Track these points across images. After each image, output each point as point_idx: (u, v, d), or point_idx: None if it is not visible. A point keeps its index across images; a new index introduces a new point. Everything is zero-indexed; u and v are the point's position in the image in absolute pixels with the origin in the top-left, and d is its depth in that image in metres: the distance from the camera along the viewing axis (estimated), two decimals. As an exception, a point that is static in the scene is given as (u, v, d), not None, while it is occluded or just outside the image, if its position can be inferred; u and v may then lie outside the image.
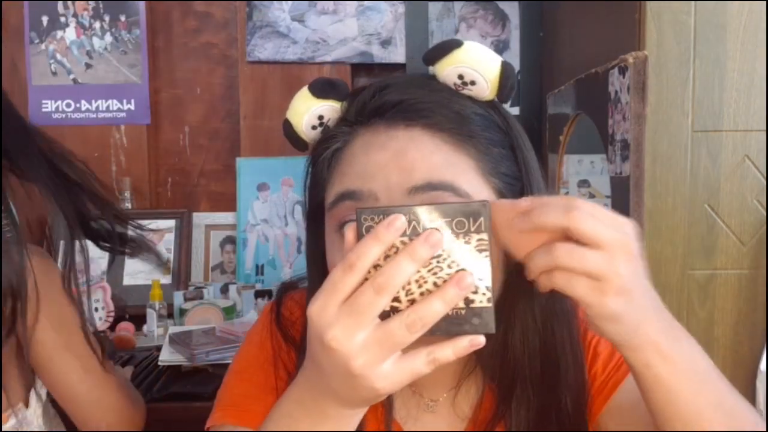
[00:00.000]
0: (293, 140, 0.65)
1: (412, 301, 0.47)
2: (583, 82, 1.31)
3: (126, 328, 1.58)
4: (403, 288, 0.47)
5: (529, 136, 0.68)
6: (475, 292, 0.47)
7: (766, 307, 1.10)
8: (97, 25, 1.83)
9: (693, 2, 1.07)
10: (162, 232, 1.82)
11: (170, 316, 1.63)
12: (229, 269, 1.84)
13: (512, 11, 1.85)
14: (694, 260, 1.10)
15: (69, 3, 1.83)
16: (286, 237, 1.82)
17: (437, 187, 0.58)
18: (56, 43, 1.83)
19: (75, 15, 1.83)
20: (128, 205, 1.82)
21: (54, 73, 1.84)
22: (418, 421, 0.70)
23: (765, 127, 1.08)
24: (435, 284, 0.47)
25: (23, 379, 0.96)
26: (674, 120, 1.08)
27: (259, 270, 1.81)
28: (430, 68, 0.64)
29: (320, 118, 0.64)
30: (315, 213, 0.66)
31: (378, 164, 0.59)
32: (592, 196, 1.73)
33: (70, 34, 1.83)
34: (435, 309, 0.46)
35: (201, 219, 1.86)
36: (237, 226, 1.83)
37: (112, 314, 1.62)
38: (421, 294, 0.47)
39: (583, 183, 1.73)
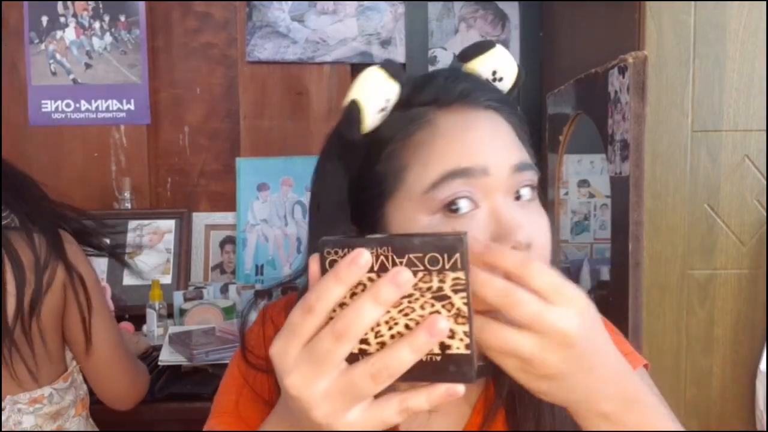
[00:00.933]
0: (355, 124, 0.60)
1: (382, 344, 0.42)
2: (583, 82, 1.31)
3: (126, 328, 1.58)
4: (372, 329, 0.42)
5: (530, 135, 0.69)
6: (452, 337, 0.42)
7: (766, 307, 1.10)
8: (96, 25, 1.83)
9: (693, 2, 1.07)
10: (162, 232, 1.82)
11: (170, 316, 1.63)
12: (228, 269, 1.84)
13: (512, 11, 1.85)
14: (694, 260, 1.10)
15: (69, 3, 1.83)
16: (285, 237, 1.82)
17: (530, 167, 0.60)
18: (56, 43, 1.83)
19: (75, 15, 1.83)
20: (128, 205, 1.82)
21: (54, 73, 1.84)
22: (416, 420, 0.70)
23: (765, 127, 1.08)
24: (407, 326, 0.42)
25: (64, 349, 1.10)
26: (674, 120, 1.08)
27: (258, 270, 1.81)
28: (464, 64, 0.67)
29: (387, 101, 0.61)
30: (364, 203, 0.63)
31: (482, 141, 0.60)
32: (592, 195, 1.73)
33: (69, 34, 1.83)
34: (403, 358, 0.42)
35: (201, 219, 1.86)
36: (237, 226, 1.83)
37: (113, 314, 1.62)
38: (392, 336, 0.42)
39: (583, 183, 1.73)
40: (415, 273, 0.41)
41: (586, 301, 0.46)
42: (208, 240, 1.85)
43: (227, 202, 1.87)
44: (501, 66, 0.67)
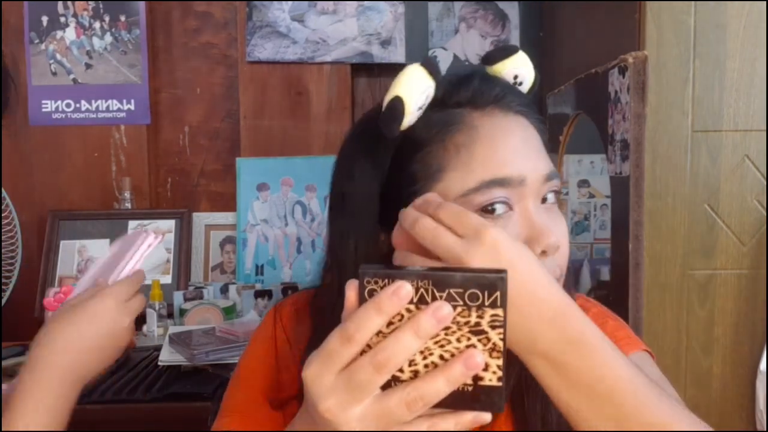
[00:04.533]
0: (398, 120, 0.60)
1: (416, 372, 0.44)
2: (583, 82, 1.31)
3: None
4: None
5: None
6: (485, 369, 0.43)
7: (766, 307, 1.10)
8: (97, 25, 1.83)
9: (693, 2, 1.07)
10: (162, 232, 1.82)
11: (170, 316, 1.63)
12: (229, 269, 1.84)
13: (512, 11, 1.85)
14: (694, 260, 1.10)
15: (69, 3, 1.83)
16: (285, 237, 1.82)
17: (557, 175, 0.63)
18: (56, 43, 1.83)
19: (75, 15, 1.83)
20: (128, 205, 1.82)
21: (54, 73, 1.84)
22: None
23: (765, 127, 1.08)
24: (441, 357, 0.43)
25: None
26: (674, 120, 1.08)
27: (258, 270, 1.81)
28: (489, 67, 0.67)
29: (426, 99, 0.62)
30: (393, 201, 0.62)
31: (517, 149, 0.61)
32: (592, 195, 1.73)
33: (70, 34, 1.83)
34: (438, 388, 0.43)
35: (201, 219, 1.86)
36: (237, 226, 1.83)
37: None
38: (425, 366, 0.43)
39: (583, 183, 1.73)
40: (454, 307, 0.43)
41: (493, 234, 0.49)
42: (208, 240, 1.85)
43: (227, 202, 1.87)
44: (522, 71, 0.67)
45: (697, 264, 1.10)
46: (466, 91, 0.63)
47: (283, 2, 1.82)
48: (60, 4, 1.83)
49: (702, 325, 1.10)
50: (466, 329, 0.43)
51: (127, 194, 1.82)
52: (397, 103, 0.60)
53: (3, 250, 1.65)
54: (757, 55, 1.08)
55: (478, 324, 0.43)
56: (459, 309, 0.43)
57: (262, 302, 1.68)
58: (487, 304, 0.43)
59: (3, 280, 1.66)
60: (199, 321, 1.56)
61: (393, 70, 1.86)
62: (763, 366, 1.08)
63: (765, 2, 1.07)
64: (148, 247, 0.89)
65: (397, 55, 1.84)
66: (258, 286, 1.71)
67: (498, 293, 0.43)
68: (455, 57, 1.84)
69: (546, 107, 1.58)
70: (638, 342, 0.72)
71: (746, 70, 1.08)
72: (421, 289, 0.43)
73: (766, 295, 1.09)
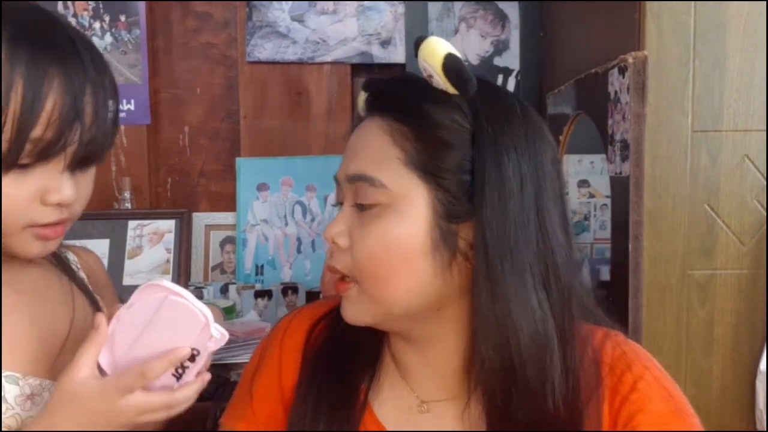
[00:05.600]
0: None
1: None
2: (583, 82, 1.31)
3: (126, 328, 1.58)
4: None
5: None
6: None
7: (766, 307, 1.10)
8: (97, 25, 1.83)
9: (693, 2, 1.07)
10: (162, 232, 1.82)
11: (170, 316, 1.63)
12: (228, 269, 1.84)
13: (512, 11, 1.85)
14: (694, 260, 1.10)
15: (69, 3, 1.83)
16: (286, 237, 1.82)
17: (358, 179, 0.65)
18: (56, 43, 1.83)
19: (75, 15, 1.83)
20: (128, 205, 1.82)
21: (54, 73, 1.84)
22: (410, 422, 0.71)
23: (765, 127, 1.08)
24: None
25: None
26: (674, 120, 1.08)
27: (258, 270, 1.81)
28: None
29: None
30: None
31: (346, 152, 0.68)
32: (592, 195, 1.73)
33: (70, 34, 1.83)
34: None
35: (201, 219, 1.86)
36: (237, 226, 1.83)
37: (112, 314, 1.62)
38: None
39: (583, 183, 1.73)
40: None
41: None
42: (208, 240, 1.85)
43: (227, 202, 1.87)
44: (426, 62, 0.64)
45: (697, 264, 1.10)
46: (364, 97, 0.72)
47: (283, 2, 1.82)
48: (60, 4, 1.83)
49: (702, 325, 1.10)
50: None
51: (127, 194, 1.82)
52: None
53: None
54: (757, 55, 1.08)
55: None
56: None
57: (262, 302, 1.68)
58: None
59: (3, 280, 1.66)
60: (199, 321, 1.55)
61: (393, 70, 1.86)
62: (763, 366, 1.08)
63: (765, 2, 1.07)
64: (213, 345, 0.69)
65: (397, 55, 1.83)
66: (258, 286, 1.71)
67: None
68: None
69: (546, 107, 1.58)
70: (684, 417, 0.66)
71: (746, 70, 1.08)
72: None
73: (766, 295, 1.09)
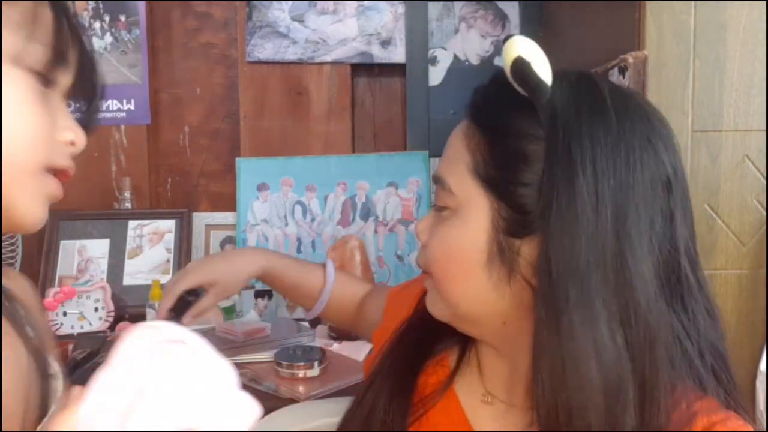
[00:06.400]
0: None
1: None
2: (583, 82, 1.31)
3: (126, 328, 1.58)
4: None
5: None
6: None
7: (766, 307, 1.10)
8: (97, 25, 1.83)
9: (693, 2, 1.07)
10: (162, 232, 1.82)
11: (170, 316, 1.63)
12: (229, 269, 1.83)
13: (512, 11, 1.85)
14: (694, 260, 1.10)
15: (69, 3, 1.83)
16: (286, 237, 1.82)
17: (436, 180, 0.65)
18: (56, 43, 1.83)
19: (75, 15, 1.83)
20: (128, 205, 1.82)
21: (54, 73, 1.84)
22: (472, 408, 0.71)
23: (765, 127, 1.08)
24: None
25: None
26: (674, 120, 1.08)
27: (259, 270, 1.80)
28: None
29: None
30: None
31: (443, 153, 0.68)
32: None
33: (70, 34, 1.83)
34: None
35: (201, 219, 1.86)
36: (237, 226, 1.83)
37: (112, 314, 1.62)
38: None
39: (583, 183, 1.73)
40: None
41: None
42: (208, 240, 1.85)
43: (227, 202, 1.87)
44: (506, 63, 0.60)
45: (697, 264, 1.10)
46: None
47: (283, 2, 1.82)
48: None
49: (702, 325, 1.10)
50: None
51: (127, 194, 1.82)
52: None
53: (3, 250, 1.65)
54: (757, 55, 1.08)
55: None
56: None
57: (262, 302, 1.68)
58: None
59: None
60: (198, 321, 1.55)
61: (393, 70, 1.87)
62: (763, 366, 1.08)
63: (765, 2, 1.07)
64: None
65: (397, 55, 1.84)
66: (258, 286, 1.71)
67: None
68: (455, 57, 1.84)
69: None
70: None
71: (746, 70, 1.08)
72: None
73: (766, 295, 1.09)
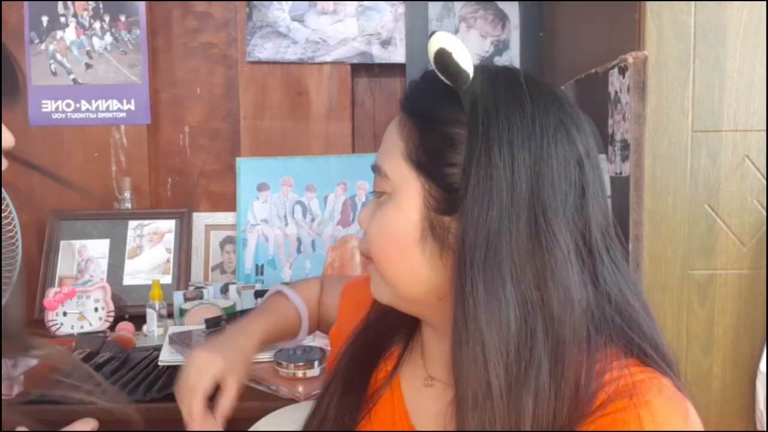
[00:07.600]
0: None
1: None
2: (583, 82, 1.31)
3: (126, 328, 1.58)
4: None
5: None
6: None
7: (766, 307, 1.10)
8: (97, 25, 1.83)
9: (693, 2, 1.07)
10: (162, 232, 1.82)
11: (170, 316, 1.63)
12: (229, 269, 1.84)
13: (512, 11, 1.85)
14: (694, 260, 1.10)
15: (69, 3, 1.83)
16: (286, 237, 1.82)
17: (374, 169, 0.68)
18: (56, 43, 1.83)
19: (75, 15, 1.83)
20: (128, 205, 1.82)
21: (54, 74, 1.84)
22: (415, 391, 0.75)
23: (765, 127, 1.08)
24: None
25: None
26: (674, 120, 1.08)
27: (259, 270, 1.81)
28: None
29: None
30: None
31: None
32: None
33: (70, 34, 1.83)
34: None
35: (201, 219, 1.86)
36: (237, 226, 1.83)
37: (112, 314, 1.63)
38: None
39: (583, 183, 1.73)
40: None
41: None
42: (208, 240, 1.85)
43: (227, 202, 1.88)
44: (431, 58, 0.65)
45: (697, 264, 1.10)
46: None
47: (283, 2, 1.82)
48: (60, 4, 1.83)
49: (702, 325, 1.10)
50: None
51: (127, 194, 1.82)
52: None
53: (3, 250, 1.65)
54: (757, 55, 1.08)
55: None
56: None
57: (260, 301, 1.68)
58: None
59: (3, 280, 1.66)
60: (199, 321, 1.55)
61: (393, 70, 1.87)
62: (763, 366, 1.08)
63: (765, 2, 1.07)
64: None
65: (397, 55, 1.84)
66: (258, 286, 1.71)
67: None
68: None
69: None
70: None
71: (746, 70, 1.08)
72: None
73: (766, 295, 1.09)
